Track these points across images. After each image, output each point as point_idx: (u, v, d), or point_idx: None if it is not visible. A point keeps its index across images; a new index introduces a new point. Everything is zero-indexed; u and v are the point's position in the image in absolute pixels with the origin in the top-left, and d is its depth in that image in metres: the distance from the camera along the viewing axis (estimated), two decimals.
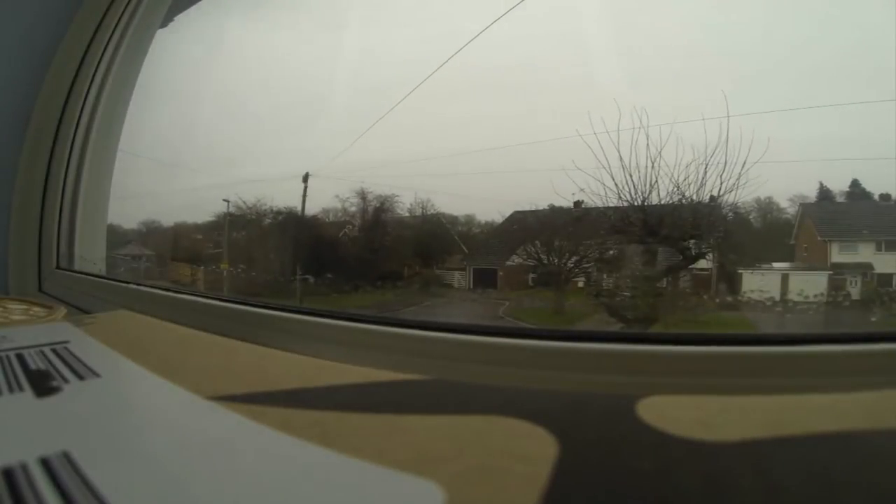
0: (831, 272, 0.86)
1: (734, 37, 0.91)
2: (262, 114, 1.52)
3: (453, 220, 1.38)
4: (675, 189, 0.83)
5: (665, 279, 0.92)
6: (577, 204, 0.99)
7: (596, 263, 1.05)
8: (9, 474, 0.13)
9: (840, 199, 0.91)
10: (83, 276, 0.76)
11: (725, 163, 0.79)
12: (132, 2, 0.81)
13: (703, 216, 0.86)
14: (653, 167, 0.83)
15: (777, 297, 0.84)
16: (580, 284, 1.06)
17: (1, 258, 0.84)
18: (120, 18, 0.81)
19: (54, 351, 0.26)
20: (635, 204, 0.87)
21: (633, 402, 0.17)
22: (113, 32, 0.82)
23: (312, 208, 1.43)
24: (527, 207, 1.18)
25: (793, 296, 0.83)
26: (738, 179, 0.79)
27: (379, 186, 1.36)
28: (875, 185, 0.86)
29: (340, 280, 1.31)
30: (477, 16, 1.06)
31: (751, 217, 0.95)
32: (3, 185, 0.84)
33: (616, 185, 0.86)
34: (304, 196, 1.38)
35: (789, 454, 0.13)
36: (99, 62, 0.82)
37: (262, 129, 1.53)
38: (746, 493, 0.12)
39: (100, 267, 0.86)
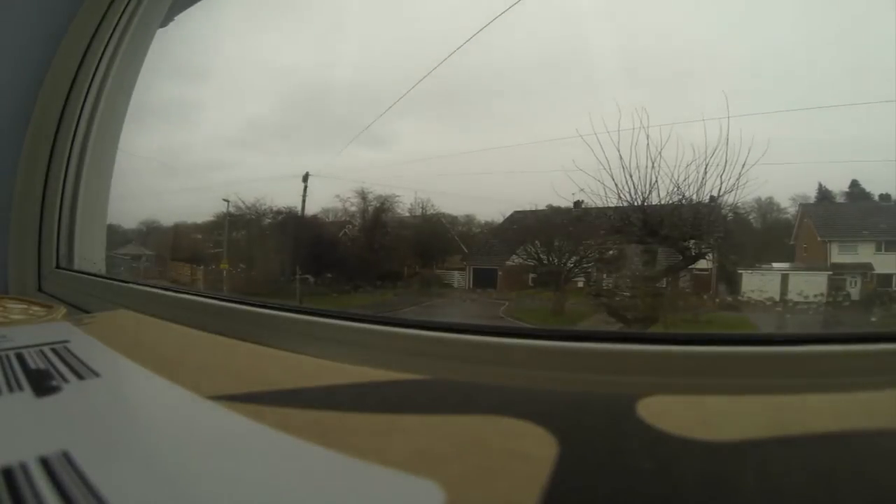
0: (831, 272, 0.86)
1: (734, 37, 0.91)
2: (261, 112, 1.52)
3: (453, 220, 1.38)
4: (675, 189, 0.83)
5: (665, 279, 0.92)
6: (577, 204, 0.99)
7: (596, 263, 1.05)
8: (8, 474, 0.13)
9: (840, 200, 0.91)
10: (83, 275, 0.76)
11: (725, 163, 0.79)
12: (132, 2, 0.81)
13: (703, 216, 0.86)
14: (653, 167, 0.83)
15: (777, 298, 0.84)
16: (580, 284, 1.06)
17: (1, 257, 0.84)
18: (120, 18, 0.81)
19: (54, 350, 0.26)
20: (635, 204, 0.87)
21: (633, 402, 0.17)
22: (113, 32, 0.82)
23: (312, 208, 1.43)
24: (527, 207, 1.18)
25: (793, 296, 0.83)
26: (738, 179, 0.79)
27: (379, 186, 1.36)
28: (875, 186, 0.86)
29: (340, 280, 1.31)
30: (476, 14, 1.06)
31: (751, 217, 0.95)
32: (3, 185, 0.84)
33: (616, 185, 0.86)
34: (304, 196, 1.38)
35: (789, 454, 0.13)
36: (99, 62, 0.82)
37: (262, 127, 1.53)
38: (746, 492, 0.12)
39: (99, 266, 0.86)
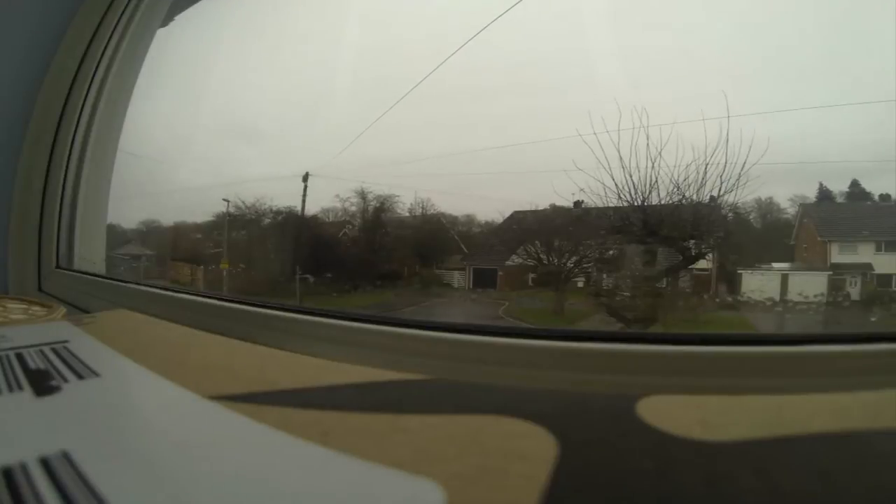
0: (831, 272, 0.86)
1: (734, 37, 0.91)
2: (261, 112, 1.52)
3: (453, 220, 1.38)
4: (676, 189, 0.83)
5: (665, 279, 0.92)
6: (577, 204, 0.99)
7: (596, 263, 1.05)
8: (8, 474, 0.13)
9: (840, 200, 0.91)
10: (83, 275, 0.76)
11: (725, 163, 0.79)
12: (132, 2, 0.81)
13: (703, 216, 0.86)
14: (653, 167, 0.83)
15: (777, 298, 0.84)
16: (580, 284, 1.06)
17: (1, 257, 0.84)
18: (120, 18, 0.81)
19: (54, 350, 0.26)
20: (635, 204, 0.87)
21: (633, 402, 0.17)
22: (113, 32, 0.82)
23: (312, 208, 1.43)
24: (527, 207, 1.18)
25: (792, 296, 0.83)
26: (738, 179, 0.79)
27: (379, 186, 1.36)
28: (875, 186, 0.86)
29: (340, 280, 1.32)
30: (477, 14, 1.06)
31: (751, 217, 0.95)
32: (3, 185, 0.84)
33: (616, 185, 0.86)
34: (304, 196, 1.38)
35: (789, 454, 0.13)
36: (99, 62, 0.82)
37: (262, 127, 1.53)
38: (746, 493, 0.12)
39: (99, 266, 0.86)
